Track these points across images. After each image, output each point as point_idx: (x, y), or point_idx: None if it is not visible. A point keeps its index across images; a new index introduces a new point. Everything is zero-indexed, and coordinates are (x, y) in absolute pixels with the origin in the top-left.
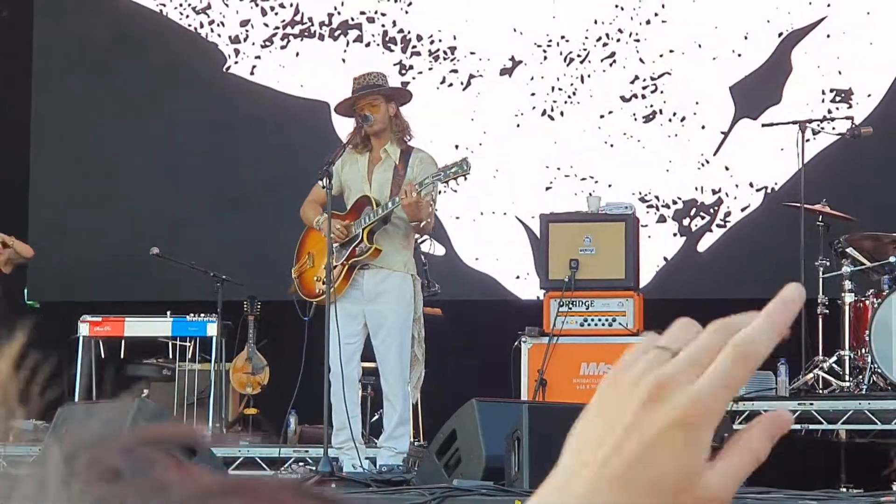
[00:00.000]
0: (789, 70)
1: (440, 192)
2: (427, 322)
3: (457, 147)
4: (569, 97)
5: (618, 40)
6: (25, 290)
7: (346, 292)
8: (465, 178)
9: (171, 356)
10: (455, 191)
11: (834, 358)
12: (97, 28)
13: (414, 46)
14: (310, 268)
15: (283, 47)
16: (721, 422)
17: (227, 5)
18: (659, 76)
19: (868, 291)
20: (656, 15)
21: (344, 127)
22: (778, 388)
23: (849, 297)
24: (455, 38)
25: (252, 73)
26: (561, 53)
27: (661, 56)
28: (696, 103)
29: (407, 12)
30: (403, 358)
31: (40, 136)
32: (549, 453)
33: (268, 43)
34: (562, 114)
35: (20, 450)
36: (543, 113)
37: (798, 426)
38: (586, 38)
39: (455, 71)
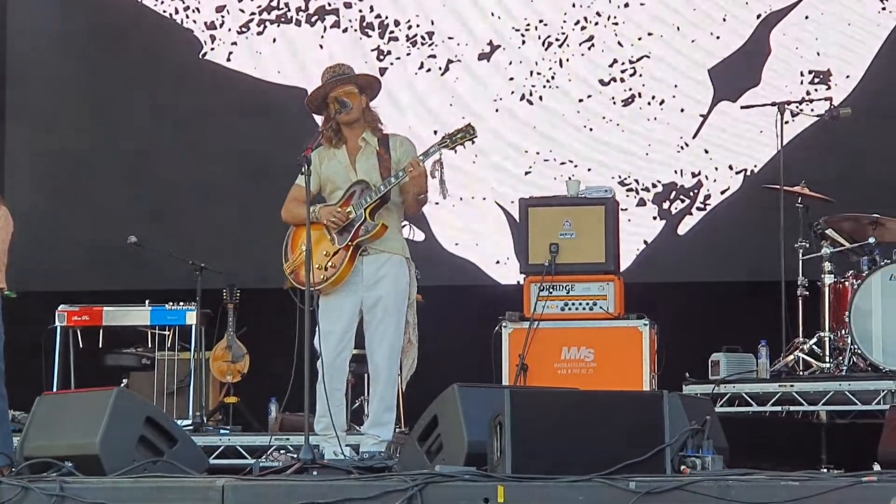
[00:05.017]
0: (768, 52)
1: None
2: None
3: (435, 132)
4: (547, 81)
5: (596, 24)
6: None
7: (347, 278)
8: (473, 143)
9: (150, 345)
10: (434, 176)
11: (814, 339)
12: (71, 15)
13: (391, 32)
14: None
15: (259, 33)
16: (703, 404)
17: None
18: (637, 59)
19: (848, 273)
20: None
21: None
22: (759, 370)
23: (828, 279)
24: (433, 23)
25: (229, 60)
26: (539, 37)
27: (639, 39)
28: (675, 86)
29: None
30: (396, 344)
31: (15, 124)
32: (531, 438)
33: (244, 29)
34: (541, 98)
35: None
36: (522, 97)
37: (779, 408)
38: (564, 21)
39: (433, 56)
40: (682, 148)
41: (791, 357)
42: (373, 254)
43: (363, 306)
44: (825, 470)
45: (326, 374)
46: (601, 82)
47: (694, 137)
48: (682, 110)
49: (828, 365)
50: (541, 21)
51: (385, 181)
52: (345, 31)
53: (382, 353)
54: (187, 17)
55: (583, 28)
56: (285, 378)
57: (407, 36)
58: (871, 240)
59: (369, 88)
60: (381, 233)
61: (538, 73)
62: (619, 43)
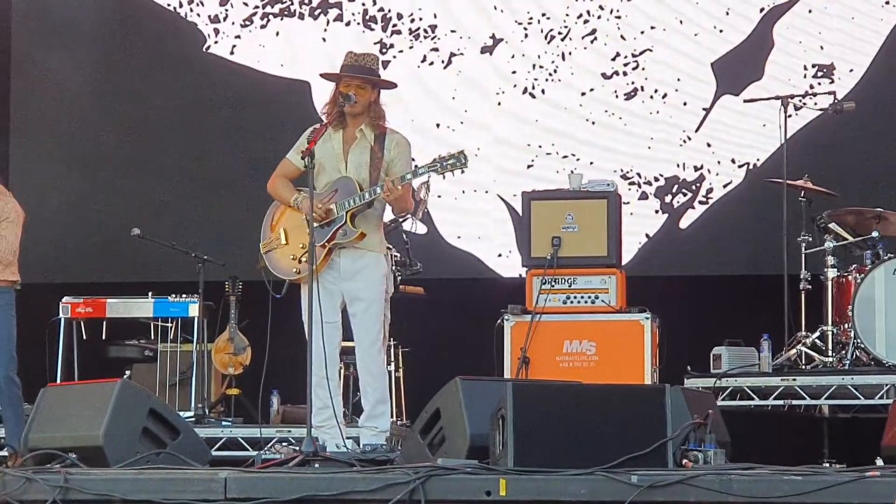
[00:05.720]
0: (771, 45)
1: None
2: (409, 301)
3: (438, 126)
4: (550, 75)
5: (599, 17)
6: None
7: (323, 272)
8: (462, 172)
9: (153, 337)
10: (418, 198)
11: (817, 333)
12: (75, 9)
13: (394, 25)
14: (283, 245)
15: (263, 26)
16: (705, 398)
17: None
18: (640, 53)
19: (851, 266)
20: None
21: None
22: (761, 364)
23: (831, 273)
24: (435, 17)
25: (232, 53)
26: (542, 31)
27: (642, 33)
28: (678, 80)
29: None
30: (381, 337)
31: (20, 117)
32: (533, 431)
33: (248, 22)
34: (543, 91)
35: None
36: (525, 91)
37: (781, 402)
38: (567, 15)
39: (436, 49)
40: (684, 142)
41: (793, 351)
42: (349, 248)
43: (345, 298)
44: (827, 465)
45: (316, 363)
46: (604, 76)
47: (696, 131)
48: (684, 104)
49: (830, 359)
50: (543, 14)
51: (370, 189)
52: (347, 24)
53: (368, 346)
54: (191, 10)
55: (585, 21)
56: (287, 370)
57: (410, 29)
58: (875, 234)
59: (384, 85)
60: (359, 240)
61: (541, 67)
62: (622, 36)
